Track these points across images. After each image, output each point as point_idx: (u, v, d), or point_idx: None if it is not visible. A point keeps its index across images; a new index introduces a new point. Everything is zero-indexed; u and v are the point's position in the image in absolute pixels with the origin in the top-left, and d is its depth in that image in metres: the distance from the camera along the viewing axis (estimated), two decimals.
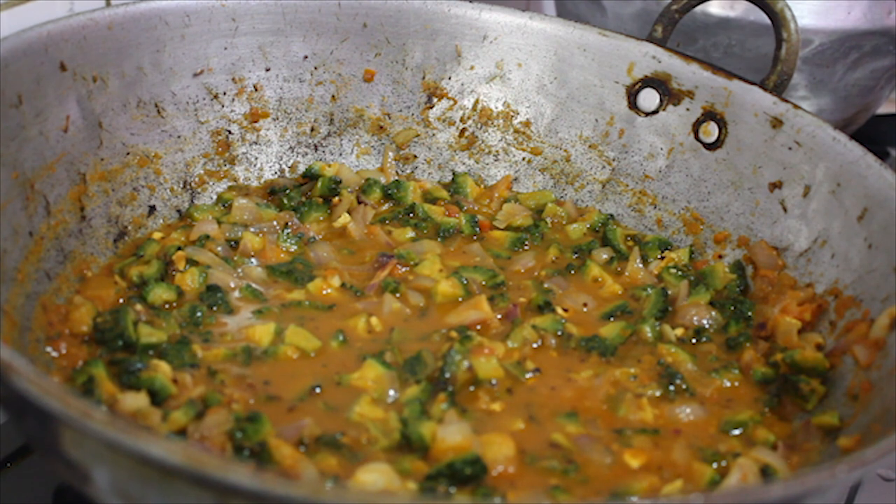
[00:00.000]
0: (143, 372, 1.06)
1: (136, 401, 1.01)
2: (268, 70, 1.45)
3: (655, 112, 1.47)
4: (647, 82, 1.46)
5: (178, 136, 1.39)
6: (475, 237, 1.41)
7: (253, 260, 1.30)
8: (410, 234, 1.40)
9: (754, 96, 1.39)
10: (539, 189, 1.52)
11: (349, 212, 1.40)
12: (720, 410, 1.15)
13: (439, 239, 1.39)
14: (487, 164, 1.54)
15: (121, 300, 1.20)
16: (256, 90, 1.45)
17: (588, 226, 1.45)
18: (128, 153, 1.32)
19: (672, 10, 1.47)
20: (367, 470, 0.97)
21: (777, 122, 1.36)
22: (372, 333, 1.19)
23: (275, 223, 1.35)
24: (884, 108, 2.01)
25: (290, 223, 1.36)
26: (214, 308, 1.20)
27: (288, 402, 1.07)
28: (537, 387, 1.14)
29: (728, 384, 1.19)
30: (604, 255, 1.39)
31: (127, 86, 1.32)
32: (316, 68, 1.48)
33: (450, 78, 1.52)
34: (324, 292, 1.25)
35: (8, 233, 1.11)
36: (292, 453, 0.99)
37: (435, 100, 1.53)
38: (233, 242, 1.32)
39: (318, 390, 1.09)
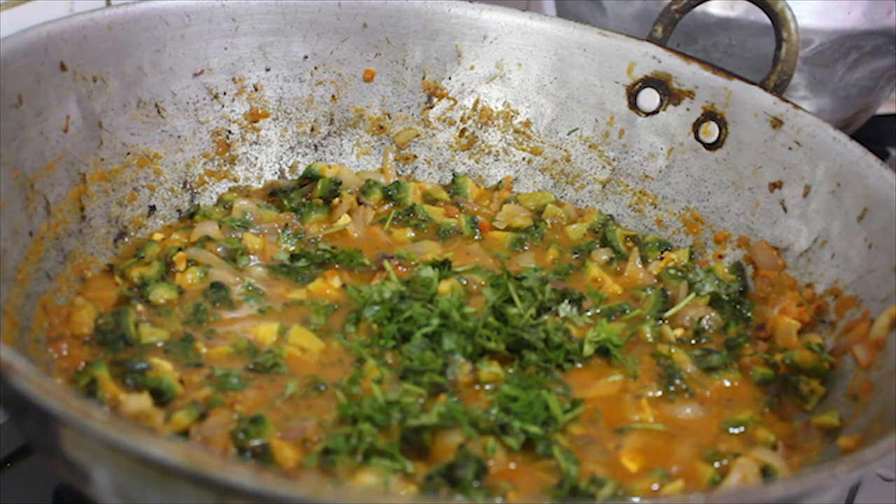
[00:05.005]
0: (149, 372, 1.06)
1: (139, 402, 1.01)
2: (268, 70, 1.45)
3: (655, 112, 1.47)
4: (648, 82, 1.46)
5: (178, 136, 1.39)
6: (475, 238, 1.41)
7: (253, 260, 1.30)
8: (410, 234, 1.40)
9: (754, 96, 1.39)
10: (539, 189, 1.52)
11: (349, 213, 1.40)
12: (720, 410, 1.15)
13: (439, 240, 1.40)
14: (487, 164, 1.54)
15: (122, 301, 1.20)
16: (256, 90, 1.45)
17: (588, 226, 1.45)
18: (128, 153, 1.32)
19: (672, 10, 1.47)
20: (368, 470, 0.97)
21: (777, 122, 1.36)
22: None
23: (275, 224, 1.35)
24: (884, 108, 2.01)
25: (290, 224, 1.36)
26: (218, 304, 1.20)
27: (290, 403, 1.07)
28: None
29: (728, 384, 1.19)
30: (603, 255, 1.39)
31: (127, 86, 1.32)
32: (316, 68, 1.48)
33: (450, 78, 1.52)
34: (325, 292, 1.25)
35: (8, 233, 1.11)
36: (294, 455, 0.99)
37: (435, 100, 1.53)
38: (233, 243, 1.32)
39: (319, 390, 1.09)
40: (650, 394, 1.15)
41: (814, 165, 1.32)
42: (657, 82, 1.46)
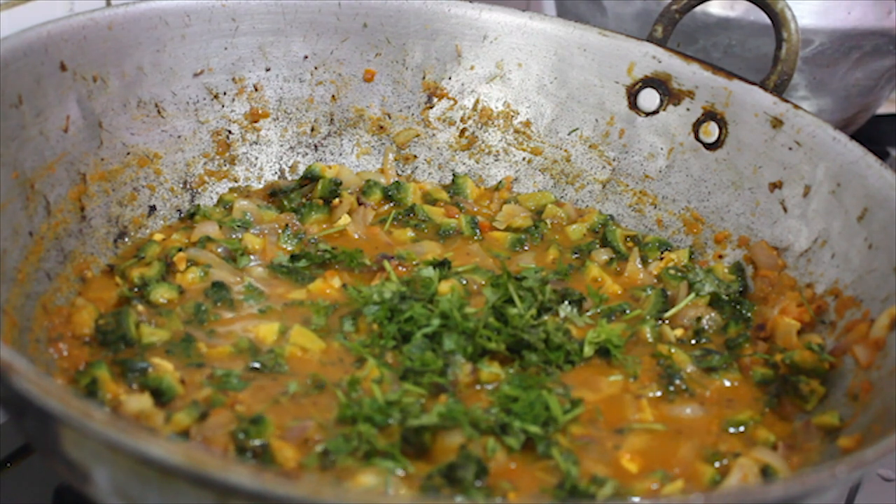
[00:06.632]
0: (150, 372, 1.06)
1: (139, 402, 1.01)
2: (268, 70, 1.45)
3: (656, 112, 1.47)
4: (648, 82, 1.46)
5: (179, 136, 1.39)
6: (475, 238, 1.41)
7: (254, 260, 1.30)
8: (410, 234, 1.40)
9: (754, 96, 1.39)
10: (539, 189, 1.52)
11: (349, 213, 1.40)
12: (720, 410, 1.15)
13: (439, 240, 1.40)
14: (487, 164, 1.54)
15: (122, 302, 1.20)
16: (256, 90, 1.45)
17: (588, 226, 1.45)
18: (128, 153, 1.32)
19: (672, 10, 1.47)
20: (368, 470, 0.97)
21: (777, 122, 1.36)
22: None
23: (275, 225, 1.35)
24: (884, 108, 2.01)
25: (290, 224, 1.36)
26: (218, 304, 1.20)
27: (291, 402, 1.07)
28: None
29: (728, 384, 1.19)
30: (603, 255, 1.39)
31: (127, 86, 1.32)
32: (316, 68, 1.48)
33: (450, 78, 1.52)
34: (325, 292, 1.25)
35: (8, 233, 1.11)
36: (294, 455, 0.99)
37: (435, 100, 1.53)
38: (234, 243, 1.32)
39: (320, 389, 1.09)
40: (650, 394, 1.15)
41: (814, 165, 1.32)
42: (657, 82, 1.46)
